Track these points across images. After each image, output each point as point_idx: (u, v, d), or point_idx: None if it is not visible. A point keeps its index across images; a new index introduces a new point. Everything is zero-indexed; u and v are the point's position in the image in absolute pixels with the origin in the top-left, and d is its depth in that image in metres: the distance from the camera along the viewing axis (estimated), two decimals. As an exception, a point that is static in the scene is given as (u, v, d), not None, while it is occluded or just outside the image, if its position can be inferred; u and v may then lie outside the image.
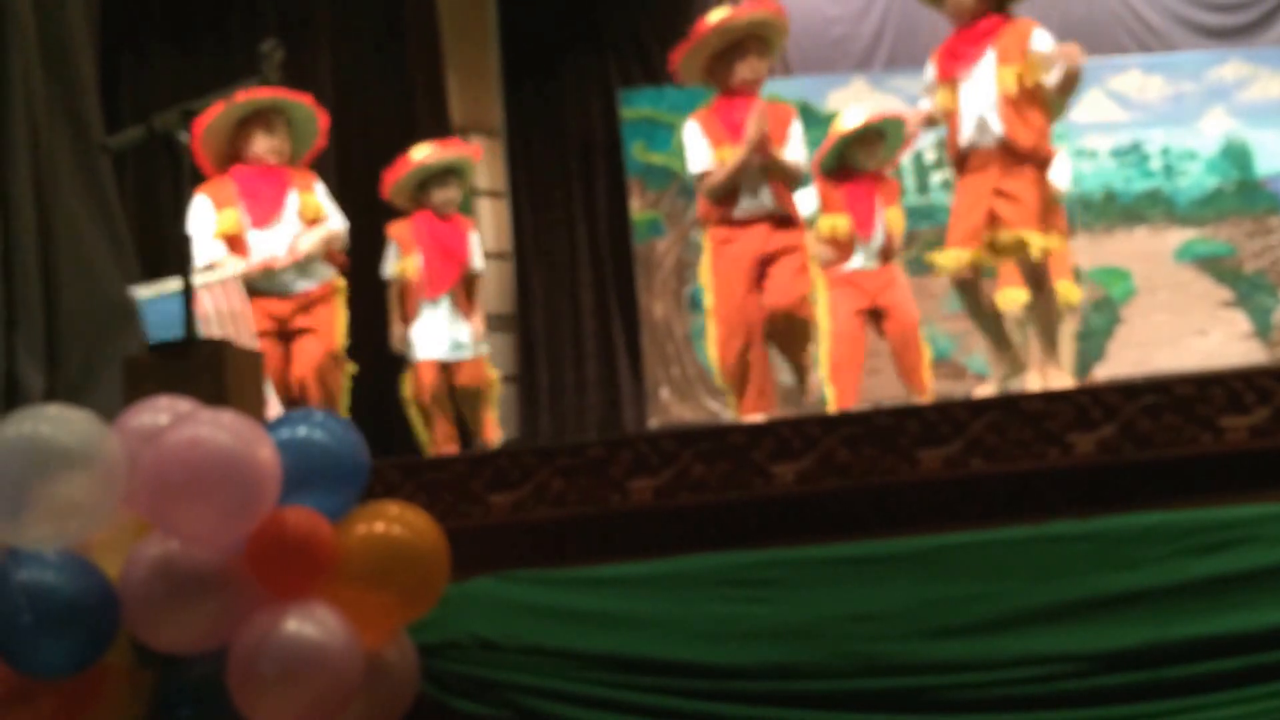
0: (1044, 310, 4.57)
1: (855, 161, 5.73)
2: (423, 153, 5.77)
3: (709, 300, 5.01)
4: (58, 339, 2.73)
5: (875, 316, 5.72)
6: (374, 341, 5.86)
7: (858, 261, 5.69)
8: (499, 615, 2.64)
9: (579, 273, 8.51)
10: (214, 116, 4.83)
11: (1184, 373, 2.85)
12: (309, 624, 2.26)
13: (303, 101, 5.03)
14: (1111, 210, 8.37)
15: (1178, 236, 8.32)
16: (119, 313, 2.81)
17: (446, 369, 5.67)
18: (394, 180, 5.77)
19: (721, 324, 4.92)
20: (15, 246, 2.66)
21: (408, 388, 5.73)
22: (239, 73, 3.12)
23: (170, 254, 2.93)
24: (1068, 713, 2.45)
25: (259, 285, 4.83)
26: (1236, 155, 8.43)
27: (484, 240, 8.26)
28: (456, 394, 5.71)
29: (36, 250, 2.71)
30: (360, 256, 5.71)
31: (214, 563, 2.26)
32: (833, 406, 5.47)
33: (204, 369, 2.58)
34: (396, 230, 5.78)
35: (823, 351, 5.56)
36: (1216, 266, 8.27)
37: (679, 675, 2.59)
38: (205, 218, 4.79)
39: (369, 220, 5.90)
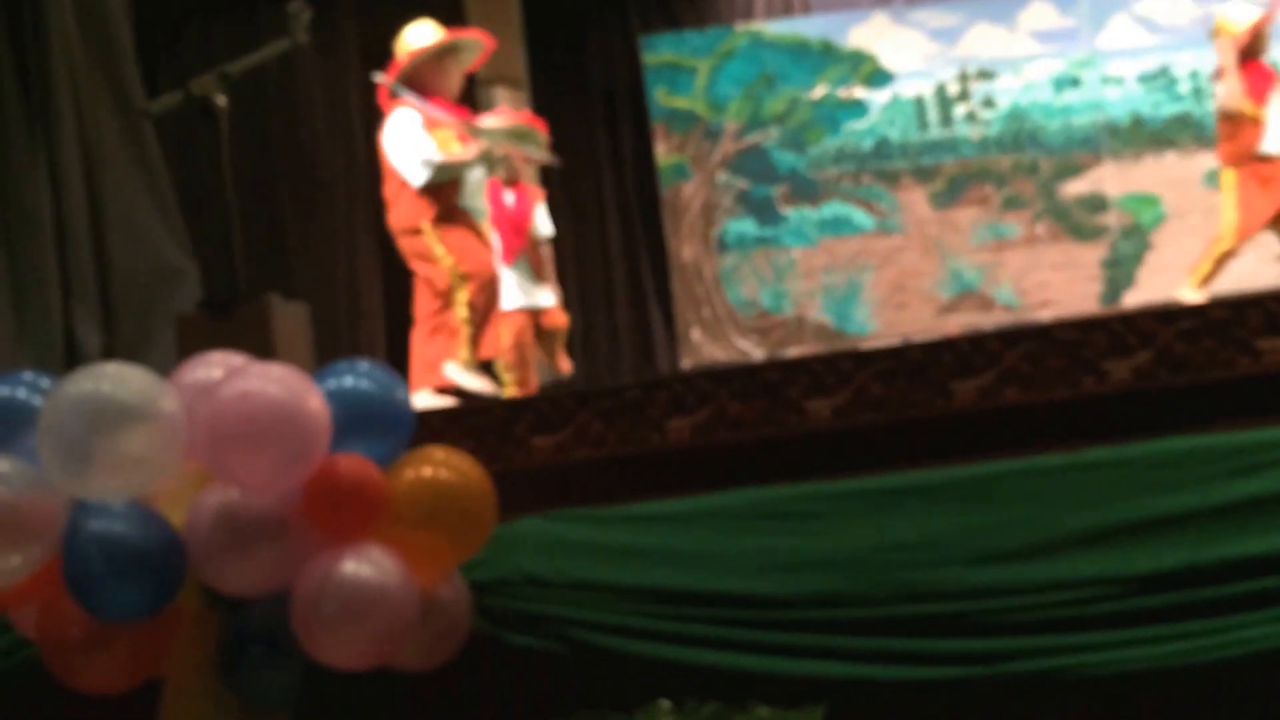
0: None
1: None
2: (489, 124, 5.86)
3: None
4: (112, 300, 2.81)
5: None
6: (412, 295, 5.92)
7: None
8: (546, 553, 2.71)
9: (607, 219, 8.55)
10: (424, 49, 4.73)
11: (1219, 296, 2.87)
12: (366, 565, 2.34)
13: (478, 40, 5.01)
14: (1140, 136, 8.31)
15: (1207, 160, 8.24)
16: (169, 273, 2.88)
17: (532, 316, 5.98)
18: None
19: None
20: (67, 213, 2.73)
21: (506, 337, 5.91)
22: (269, 34, 3.17)
23: (211, 216, 2.99)
24: (1105, 634, 2.50)
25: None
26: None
27: (512, 189, 8.32)
28: (541, 336, 6.05)
29: (87, 216, 2.78)
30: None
31: (272, 509, 2.34)
32: None
33: (252, 325, 2.65)
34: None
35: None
36: (1247, 190, 8.22)
37: (722, 606, 2.66)
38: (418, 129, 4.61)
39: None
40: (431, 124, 4.63)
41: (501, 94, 7.98)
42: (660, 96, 8.49)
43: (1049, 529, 2.56)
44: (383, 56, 6.85)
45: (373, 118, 6.99)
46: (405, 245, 4.66)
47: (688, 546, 2.70)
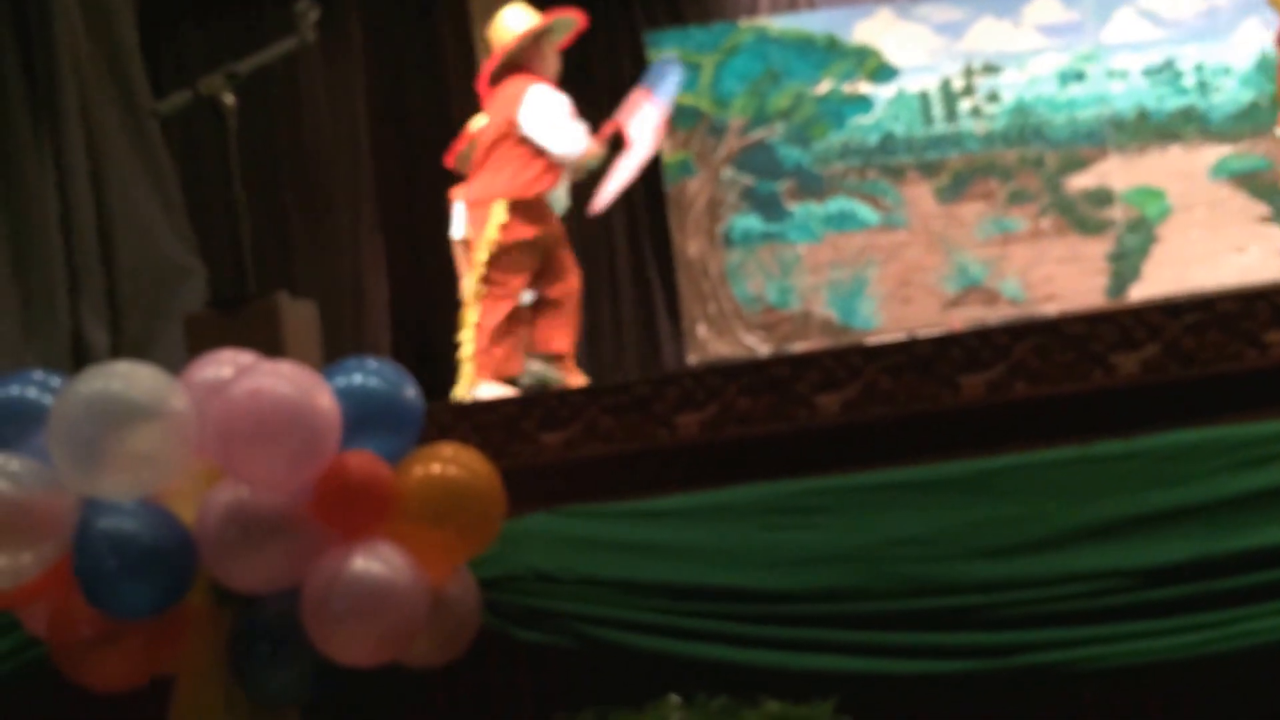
0: None
1: None
2: (482, 121, 5.86)
3: None
4: (119, 298, 2.82)
5: None
6: (421, 292, 5.95)
7: None
8: (555, 549, 2.72)
9: (612, 216, 8.53)
10: (528, 32, 4.90)
11: (1227, 289, 2.87)
12: (376, 562, 2.35)
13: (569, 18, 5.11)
14: (1145, 129, 8.30)
15: (1213, 153, 8.24)
16: (175, 272, 2.89)
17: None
18: (459, 149, 5.83)
19: None
20: (73, 212, 2.74)
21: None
22: (275, 33, 3.17)
23: (218, 215, 3.00)
24: (1114, 627, 2.50)
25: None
26: (1272, 68, 8.31)
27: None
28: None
29: (94, 215, 2.79)
30: (402, 205, 5.82)
31: (283, 506, 2.35)
32: None
33: (261, 323, 2.65)
34: (464, 193, 5.87)
35: None
36: (1253, 182, 8.19)
37: (731, 601, 2.66)
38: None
39: (409, 172, 5.96)
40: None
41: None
42: (665, 93, 8.50)
43: (1058, 522, 2.57)
44: (388, 55, 6.85)
45: (378, 115, 7.03)
46: (501, 214, 4.84)
47: (696, 542, 2.71)
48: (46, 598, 2.42)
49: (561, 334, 5.04)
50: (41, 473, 2.30)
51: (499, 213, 4.86)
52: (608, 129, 5.10)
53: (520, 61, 4.96)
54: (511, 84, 4.92)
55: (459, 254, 5.87)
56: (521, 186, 4.86)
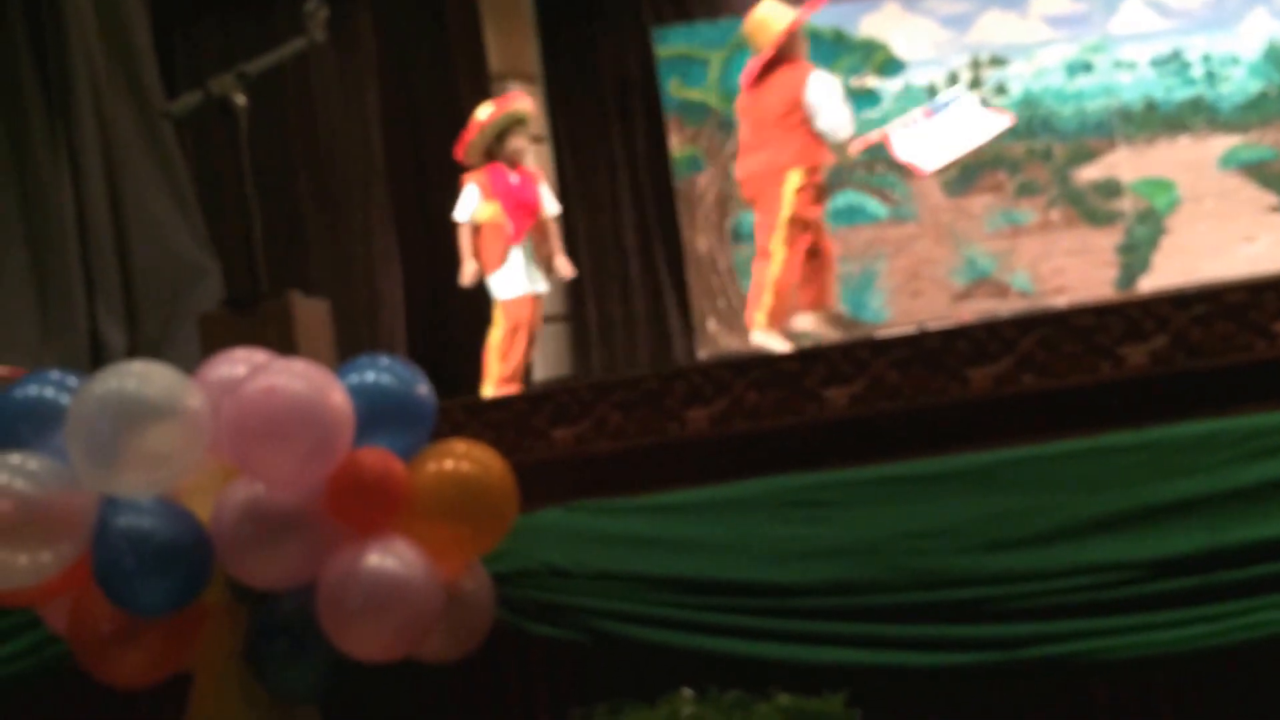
0: None
1: None
2: (489, 109, 5.98)
3: None
4: (135, 298, 2.83)
5: None
6: (435, 287, 5.94)
7: None
8: (568, 543, 2.74)
9: (622, 212, 8.55)
10: (793, 25, 5.54)
11: (1234, 280, 2.87)
12: (390, 558, 2.37)
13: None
14: (1153, 120, 8.28)
15: (1221, 144, 8.22)
16: (190, 271, 2.91)
17: (533, 303, 6.00)
18: (469, 140, 5.98)
19: None
20: (89, 212, 2.76)
21: (503, 323, 5.93)
22: (285, 33, 3.19)
23: (231, 214, 3.02)
24: (1124, 618, 2.51)
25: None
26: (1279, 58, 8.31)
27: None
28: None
29: (109, 215, 2.80)
30: (415, 201, 5.83)
31: (297, 503, 2.37)
32: None
33: (275, 322, 2.67)
34: (476, 178, 5.95)
35: None
36: (1262, 172, 8.17)
37: (742, 594, 2.68)
38: None
39: (421, 168, 5.96)
40: None
41: (515, 89, 7.99)
42: (673, 88, 8.49)
43: (1067, 514, 2.57)
44: (397, 54, 6.87)
45: (390, 113, 7.04)
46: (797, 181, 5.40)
47: (707, 536, 2.72)
48: (66, 595, 2.45)
49: (829, 291, 5.70)
50: (60, 472, 2.33)
51: (795, 179, 5.41)
52: (873, 140, 5.75)
53: (786, 50, 5.57)
54: (788, 70, 5.53)
55: (465, 236, 5.93)
56: (812, 157, 5.46)
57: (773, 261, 5.53)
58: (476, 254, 5.91)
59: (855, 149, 5.84)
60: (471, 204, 5.91)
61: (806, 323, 5.67)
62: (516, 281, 5.90)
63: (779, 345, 5.33)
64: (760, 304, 5.58)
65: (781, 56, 5.58)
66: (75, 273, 3.10)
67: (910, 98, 8.41)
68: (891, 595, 2.62)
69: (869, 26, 8.46)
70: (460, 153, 5.99)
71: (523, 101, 6.11)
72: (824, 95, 5.44)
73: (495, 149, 5.92)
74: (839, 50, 8.47)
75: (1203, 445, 2.54)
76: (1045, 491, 2.60)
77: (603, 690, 2.65)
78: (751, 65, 5.68)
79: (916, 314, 8.16)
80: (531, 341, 6.03)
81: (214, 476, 2.41)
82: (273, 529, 2.34)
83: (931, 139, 5.68)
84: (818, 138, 5.47)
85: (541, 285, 6.03)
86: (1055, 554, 2.56)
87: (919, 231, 8.40)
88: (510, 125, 5.94)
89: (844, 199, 8.46)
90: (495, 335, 5.91)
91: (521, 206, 5.94)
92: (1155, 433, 2.58)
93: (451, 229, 6.10)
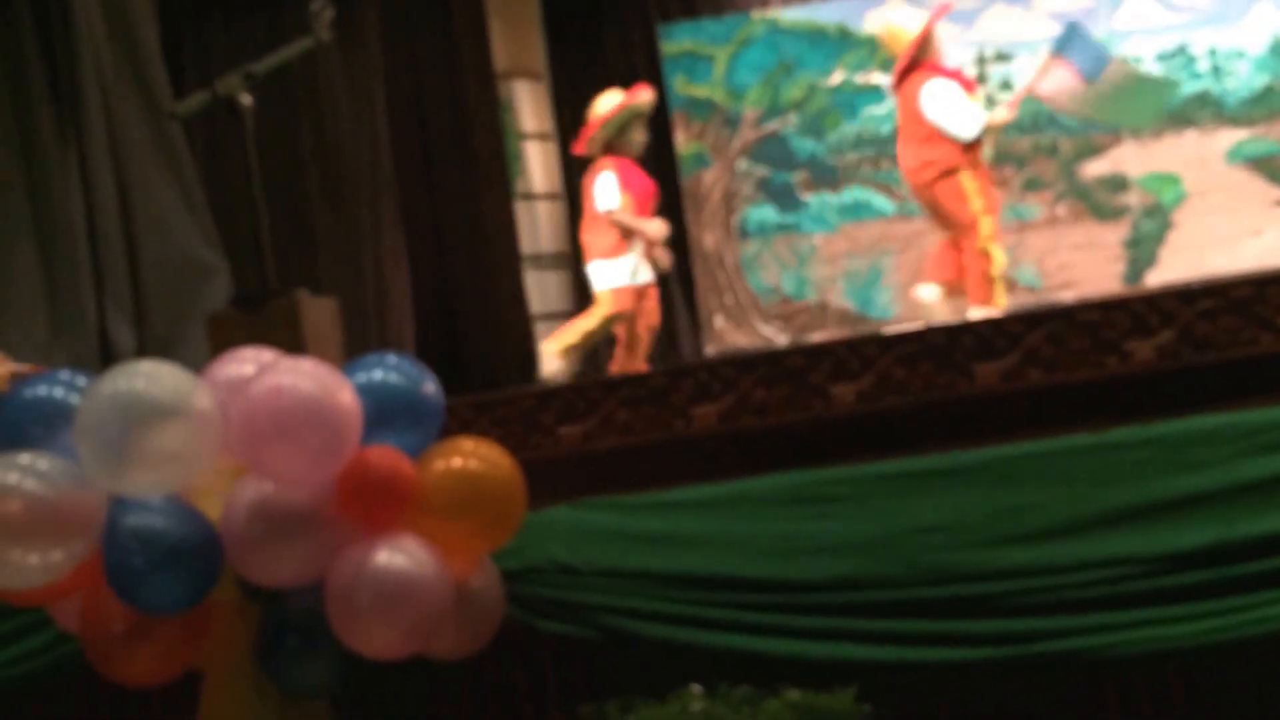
0: None
1: None
2: (612, 102, 6.11)
3: None
4: (143, 298, 2.84)
5: None
6: (443, 285, 5.96)
7: None
8: (576, 540, 2.74)
9: (628, 209, 8.56)
10: (927, 29, 5.88)
11: (1241, 274, 2.86)
12: (399, 555, 2.38)
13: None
14: (1159, 114, 8.27)
15: (1228, 138, 8.20)
16: (199, 270, 2.92)
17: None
18: (592, 134, 6.14)
19: None
20: (98, 212, 2.77)
21: (604, 310, 6.06)
22: (292, 32, 3.20)
23: (239, 213, 3.02)
24: (1134, 613, 2.50)
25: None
26: (1286, 51, 8.29)
27: (534, 182, 8.34)
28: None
29: (118, 215, 2.81)
30: (422, 199, 5.81)
31: (307, 502, 2.38)
32: None
33: (283, 320, 2.68)
34: (611, 167, 6.07)
35: None
36: (1268, 166, 8.15)
37: (750, 590, 2.68)
38: None
39: (429, 166, 5.97)
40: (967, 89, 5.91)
41: (521, 86, 8.00)
42: (679, 85, 8.49)
43: (1075, 509, 2.57)
44: (403, 52, 6.88)
45: (397, 111, 7.04)
46: (939, 186, 5.78)
47: (716, 532, 2.73)
48: (77, 594, 2.46)
49: (969, 281, 5.91)
50: (69, 471, 2.34)
51: (945, 186, 5.78)
52: (1020, 95, 6.12)
53: (920, 55, 5.86)
54: (915, 78, 5.86)
55: (624, 216, 5.98)
56: (947, 160, 5.78)
57: (967, 255, 5.84)
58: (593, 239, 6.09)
59: (1007, 116, 6.02)
60: (614, 191, 6.04)
61: (932, 294, 6.03)
62: (629, 272, 6.04)
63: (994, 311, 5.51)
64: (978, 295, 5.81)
65: (916, 61, 5.87)
66: (84, 272, 3.11)
67: (916, 93, 8.39)
68: (900, 591, 2.62)
69: (873, 23, 8.45)
70: (582, 146, 6.20)
71: (645, 94, 6.28)
72: (937, 107, 5.76)
73: (616, 142, 6.09)
74: (843, 46, 8.47)
75: (1210, 440, 2.54)
76: (1053, 486, 2.60)
77: (612, 686, 2.65)
78: (896, 67, 6.02)
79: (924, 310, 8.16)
80: (654, 330, 6.29)
81: (223, 475, 2.42)
82: (282, 527, 2.35)
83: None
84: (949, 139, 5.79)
85: (649, 275, 6.17)
86: (1064, 549, 2.56)
87: (926, 227, 8.39)
88: (633, 119, 6.11)
89: (850, 195, 8.46)
90: (588, 321, 6.10)
91: (645, 199, 6.12)
92: (1162, 427, 2.58)
93: (460, 226, 6.12)
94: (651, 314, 6.25)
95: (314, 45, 3.16)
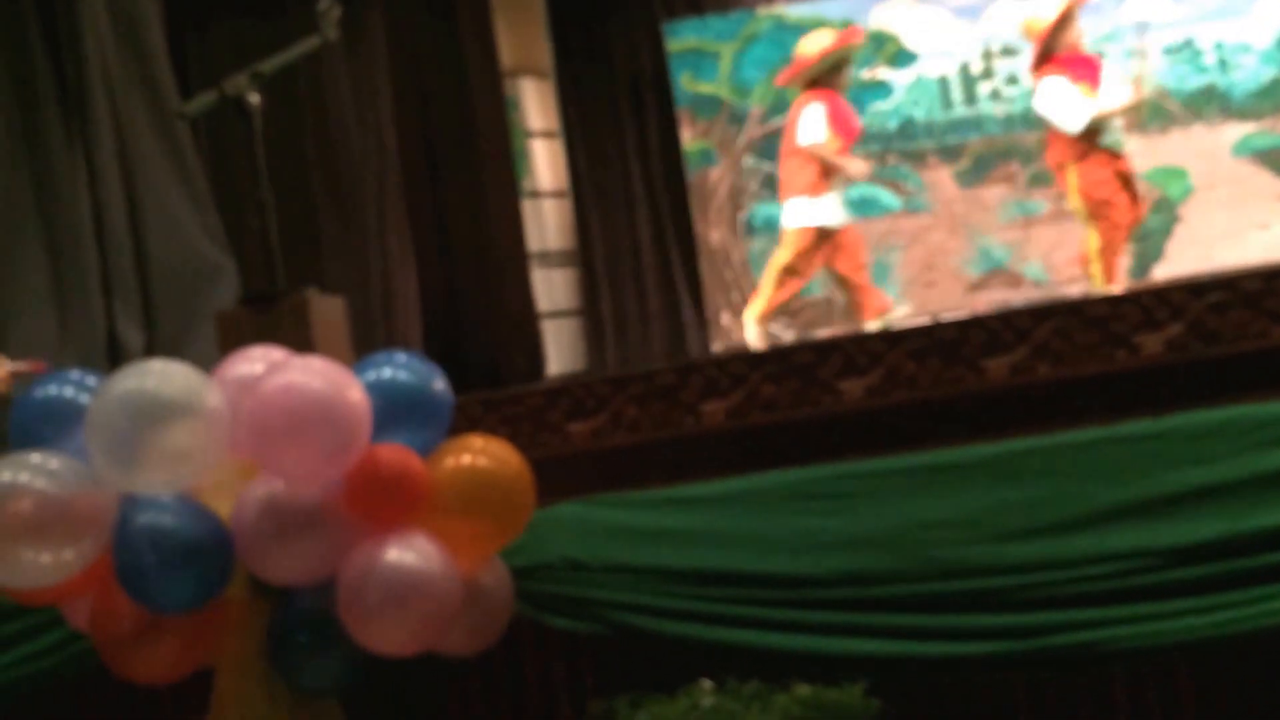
0: None
1: None
2: (823, 42, 6.07)
3: None
4: (152, 297, 2.85)
5: None
6: (446, 283, 5.95)
7: None
8: (586, 537, 2.75)
9: (635, 206, 8.55)
10: (1058, 18, 5.84)
11: (1249, 267, 2.86)
12: (409, 553, 2.38)
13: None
14: (1165, 109, 8.25)
15: (1235, 131, 8.18)
16: (207, 270, 2.93)
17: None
18: (801, 69, 6.07)
19: None
20: (106, 213, 2.78)
21: (792, 248, 6.02)
22: (298, 32, 3.20)
23: (247, 213, 3.03)
24: (1143, 606, 2.51)
25: None
26: (1292, 45, 8.27)
27: (540, 180, 8.34)
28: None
29: (126, 215, 2.82)
30: (428, 198, 5.80)
31: (317, 500, 2.38)
32: None
33: (292, 319, 2.69)
34: (821, 100, 5.98)
35: None
36: (1275, 159, 8.12)
37: (759, 586, 2.68)
38: None
39: (434, 165, 5.97)
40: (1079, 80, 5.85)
41: (527, 84, 8.01)
42: (685, 82, 8.49)
43: (1084, 503, 2.57)
44: (408, 51, 6.87)
45: (403, 110, 7.05)
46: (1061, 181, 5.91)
47: (725, 528, 2.73)
48: (89, 593, 2.47)
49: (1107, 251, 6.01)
50: (81, 470, 2.34)
51: (1073, 178, 5.79)
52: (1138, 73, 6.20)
53: (1050, 46, 5.87)
54: (1042, 72, 5.86)
55: (826, 151, 5.90)
56: (1064, 152, 5.82)
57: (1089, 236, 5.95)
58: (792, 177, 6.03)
59: (1124, 103, 6.01)
60: (823, 125, 5.95)
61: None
62: (830, 211, 6.01)
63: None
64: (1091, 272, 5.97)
65: (1047, 53, 5.89)
66: (92, 272, 3.12)
67: (921, 89, 8.40)
68: (909, 586, 2.63)
69: (879, 18, 8.44)
70: (788, 78, 6.20)
71: (859, 37, 6.39)
72: (1047, 106, 5.85)
73: (825, 78, 6.02)
74: (849, 42, 8.46)
75: (1219, 432, 2.54)
76: (1063, 480, 2.60)
77: (622, 682, 2.66)
78: (1030, 62, 6.07)
79: (931, 305, 8.15)
80: (862, 266, 6.30)
81: (233, 474, 2.42)
82: (292, 526, 2.35)
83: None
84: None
85: (843, 216, 6.14)
86: (1073, 543, 2.56)
87: (933, 223, 8.39)
88: (846, 59, 6.11)
89: (858, 191, 8.43)
90: (781, 257, 6.05)
91: (850, 141, 6.10)
92: (1172, 421, 2.58)
93: (466, 224, 6.11)
94: (856, 244, 6.23)
95: (321, 44, 3.16)
